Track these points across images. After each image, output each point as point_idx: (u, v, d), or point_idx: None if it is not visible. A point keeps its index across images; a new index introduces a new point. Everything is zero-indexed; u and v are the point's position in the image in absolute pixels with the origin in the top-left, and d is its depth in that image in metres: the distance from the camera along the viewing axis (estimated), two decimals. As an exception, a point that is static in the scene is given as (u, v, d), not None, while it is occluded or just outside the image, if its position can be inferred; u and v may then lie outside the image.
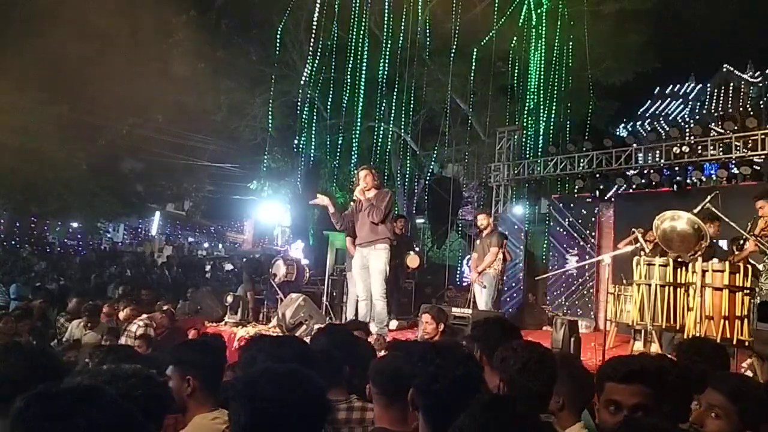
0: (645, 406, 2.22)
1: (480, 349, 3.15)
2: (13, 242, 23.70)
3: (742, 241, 7.56)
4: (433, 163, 20.03)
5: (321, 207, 7.94)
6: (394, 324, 7.86)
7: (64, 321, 8.58)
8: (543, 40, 17.73)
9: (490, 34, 16.97)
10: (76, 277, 17.21)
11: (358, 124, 17.44)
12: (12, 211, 23.17)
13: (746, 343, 6.05)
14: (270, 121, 18.71)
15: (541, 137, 17.12)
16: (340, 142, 18.17)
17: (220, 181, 26.42)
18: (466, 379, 2.12)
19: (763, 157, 9.70)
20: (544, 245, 13.91)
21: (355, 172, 7.08)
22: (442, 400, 2.07)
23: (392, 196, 6.80)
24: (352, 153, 17.84)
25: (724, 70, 20.94)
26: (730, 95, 20.54)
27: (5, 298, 12.54)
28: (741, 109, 18.53)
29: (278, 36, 17.50)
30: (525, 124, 16.71)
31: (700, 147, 10.45)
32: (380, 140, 18.42)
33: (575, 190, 12.55)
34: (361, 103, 17.10)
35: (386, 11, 16.66)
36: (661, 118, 21.44)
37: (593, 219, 11.66)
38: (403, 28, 16.19)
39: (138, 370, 2.02)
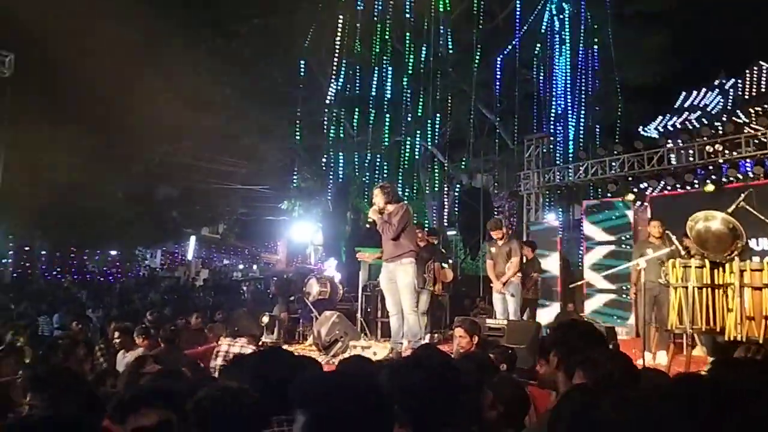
0: None
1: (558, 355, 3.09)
2: (54, 273, 24.32)
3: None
4: (461, 174, 19.97)
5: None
6: (429, 338, 7.80)
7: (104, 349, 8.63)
8: (567, 45, 17.66)
9: (513, 41, 16.96)
10: (115, 305, 17.52)
11: (385, 139, 17.51)
12: (52, 242, 23.79)
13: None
14: (298, 141, 18.91)
15: (570, 143, 16.97)
16: (367, 158, 18.26)
17: (252, 203, 26.65)
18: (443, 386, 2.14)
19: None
20: (579, 252, 13.70)
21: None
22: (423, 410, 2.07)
23: (407, 210, 6.79)
24: (381, 168, 17.91)
25: (754, 65, 20.48)
26: (763, 90, 20.07)
27: (50, 327, 12.84)
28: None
29: (302, 58, 17.72)
30: (553, 130, 16.58)
31: (733, 144, 10.25)
32: (408, 154, 18.46)
33: (608, 195, 12.38)
34: (387, 119, 17.17)
35: (407, 26, 16.77)
36: (692, 117, 21.03)
37: (628, 223, 11.43)
38: (425, 41, 16.27)
39: None
